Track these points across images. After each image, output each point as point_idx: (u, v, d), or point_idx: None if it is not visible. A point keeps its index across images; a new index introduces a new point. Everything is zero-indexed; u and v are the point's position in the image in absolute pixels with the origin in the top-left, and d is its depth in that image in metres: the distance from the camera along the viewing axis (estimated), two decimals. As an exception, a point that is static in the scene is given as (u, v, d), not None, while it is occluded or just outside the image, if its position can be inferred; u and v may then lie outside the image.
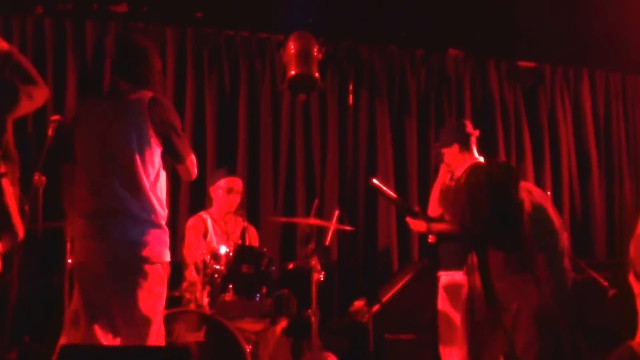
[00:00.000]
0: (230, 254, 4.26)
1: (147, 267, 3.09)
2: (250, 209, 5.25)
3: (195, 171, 3.33)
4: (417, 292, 4.80)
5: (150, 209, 3.09)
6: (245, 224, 4.79)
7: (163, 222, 3.15)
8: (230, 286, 4.17)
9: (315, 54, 4.61)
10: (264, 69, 5.75)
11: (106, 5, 5.45)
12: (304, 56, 4.98)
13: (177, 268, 5.08)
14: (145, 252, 3.07)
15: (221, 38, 5.71)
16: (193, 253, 4.72)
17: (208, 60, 5.67)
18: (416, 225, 4.37)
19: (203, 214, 4.96)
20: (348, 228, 4.62)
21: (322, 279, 4.22)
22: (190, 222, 4.90)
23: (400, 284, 4.77)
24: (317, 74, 4.62)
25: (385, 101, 5.91)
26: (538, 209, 3.87)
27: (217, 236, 4.96)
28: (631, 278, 3.98)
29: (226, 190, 4.89)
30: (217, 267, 4.21)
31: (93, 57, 5.45)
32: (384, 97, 5.91)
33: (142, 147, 3.08)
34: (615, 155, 6.48)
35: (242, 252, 4.28)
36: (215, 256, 4.29)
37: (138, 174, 3.07)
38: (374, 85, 5.91)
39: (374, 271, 5.61)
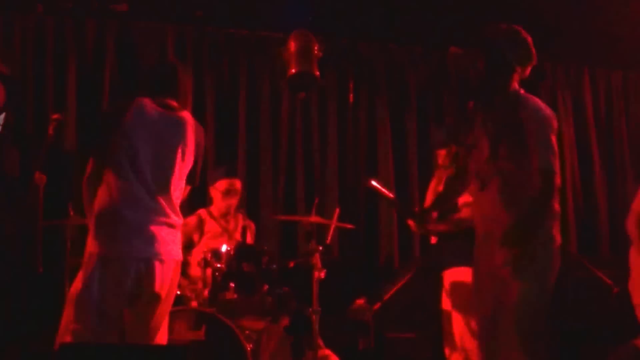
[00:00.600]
0: (231, 252, 4.26)
1: (173, 266, 3.23)
2: (251, 207, 5.24)
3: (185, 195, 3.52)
4: (418, 290, 4.79)
5: (175, 212, 3.26)
6: (246, 222, 4.79)
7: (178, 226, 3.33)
8: (231, 284, 4.17)
9: (315, 52, 4.60)
10: (263, 67, 5.73)
11: (106, 4, 5.43)
12: (304, 54, 4.96)
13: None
14: (173, 251, 3.22)
15: (221, 37, 5.70)
16: None
17: (208, 59, 5.66)
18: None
19: (202, 213, 4.97)
20: (349, 226, 4.60)
21: (323, 277, 4.20)
22: (187, 220, 4.94)
23: (401, 282, 4.76)
24: (317, 72, 4.61)
25: (385, 99, 5.90)
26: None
27: (216, 234, 4.97)
28: (632, 253, 3.90)
29: (223, 192, 4.90)
30: (218, 265, 4.21)
31: (93, 56, 5.46)
32: (383, 95, 5.89)
33: (183, 160, 3.27)
34: (617, 152, 6.47)
35: (243, 250, 4.29)
36: (216, 254, 4.29)
37: (172, 183, 3.24)
38: (374, 83, 5.90)
39: (375, 269, 5.59)
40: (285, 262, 4.56)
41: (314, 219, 4.37)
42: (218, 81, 5.69)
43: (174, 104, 3.31)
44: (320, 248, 4.23)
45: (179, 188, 3.28)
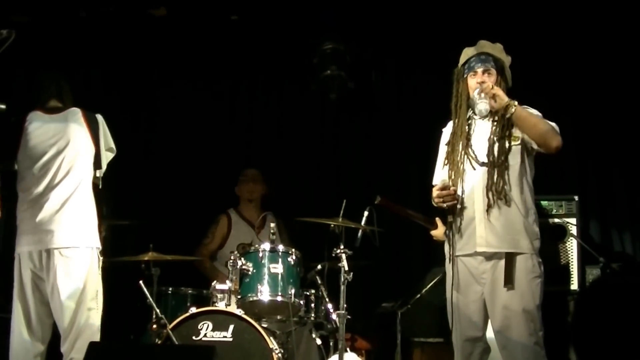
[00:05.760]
0: (260, 252, 4.29)
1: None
2: (278, 209, 5.29)
3: None
4: (445, 294, 4.76)
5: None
6: (275, 222, 4.82)
7: None
8: (259, 286, 4.19)
9: (346, 55, 4.65)
10: (295, 70, 5.74)
11: (144, 9, 5.51)
12: (335, 57, 5.01)
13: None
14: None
15: (254, 39, 5.74)
16: (204, 249, 5.10)
17: (241, 61, 5.71)
18: (439, 235, 4.27)
19: (230, 212, 5.16)
20: (377, 229, 4.59)
21: (350, 279, 4.17)
22: (218, 218, 5.20)
23: (428, 286, 4.74)
24: (347, 75, 4.64)
25: (413, 101, 5.84)
26: None
27: (244, 234, 5.05)
28: None
29: (242, 178, 5.29)
30: (246, 266, 4.25)
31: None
32: (411, 97, 5.84)
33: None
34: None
35: (271, 251, 4.29)
36: (245, 255, 4.33)
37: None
38: (402, 86, 5.86)
39: (403, 273, 5.56)
40: (313, 265, 4.57)
41: (342, 221, 4.37)
42: (250, 83, 5.77)
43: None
44: (347, 251, 4.23)
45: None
